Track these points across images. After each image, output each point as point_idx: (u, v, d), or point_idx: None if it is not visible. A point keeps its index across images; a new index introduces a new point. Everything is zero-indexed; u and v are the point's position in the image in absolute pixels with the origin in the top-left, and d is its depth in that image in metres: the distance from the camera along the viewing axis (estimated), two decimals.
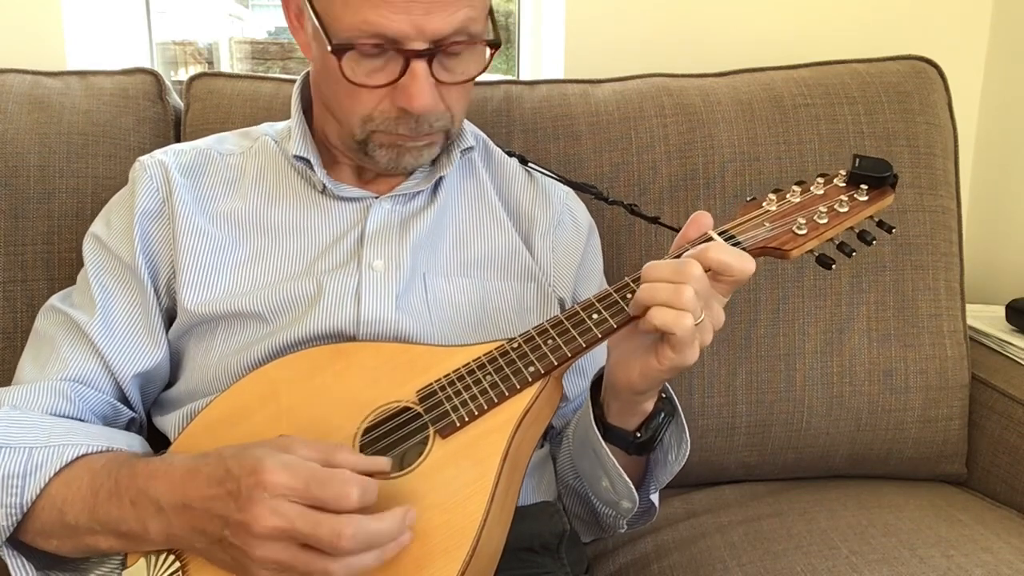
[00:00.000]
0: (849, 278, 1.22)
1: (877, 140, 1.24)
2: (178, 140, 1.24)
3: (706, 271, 0.72)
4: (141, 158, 0.96)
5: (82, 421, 0.84)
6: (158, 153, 0.97)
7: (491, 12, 0.88)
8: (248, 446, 0.68)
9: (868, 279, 1.22)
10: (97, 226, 0.94)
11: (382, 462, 0.71)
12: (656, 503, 0.91)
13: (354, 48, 0.81)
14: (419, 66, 0.81)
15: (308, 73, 1.00)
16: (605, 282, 1.08)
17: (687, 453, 0.85)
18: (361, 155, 0.91)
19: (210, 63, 2.05)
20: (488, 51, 0.87)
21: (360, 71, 0.83)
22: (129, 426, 0.90)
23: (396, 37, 0.80)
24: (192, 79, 1.28)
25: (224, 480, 0.65)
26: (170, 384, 0.93)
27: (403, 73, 0.82)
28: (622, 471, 0.84)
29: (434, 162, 0.98)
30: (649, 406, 0.82)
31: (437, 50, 0.82)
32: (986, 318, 1.41)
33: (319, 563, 0.63)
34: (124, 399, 0.89)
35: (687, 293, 0.69)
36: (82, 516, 0.71)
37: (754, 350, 1.20)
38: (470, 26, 0.82)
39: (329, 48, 0.81)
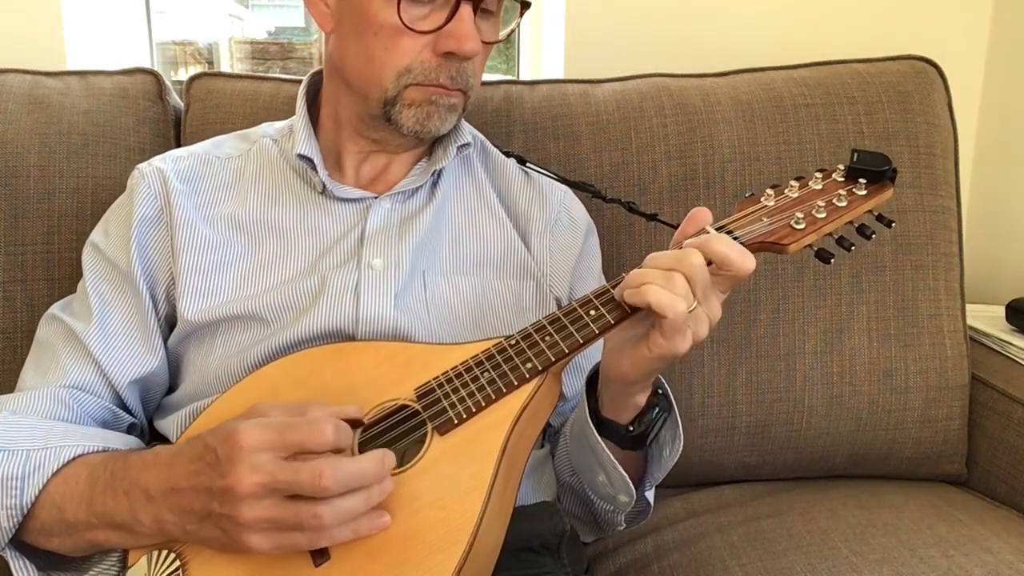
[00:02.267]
0: (849, 278, 1.22)
1: (877, 140, 1.24)
2: (178, 140, 1.25)
3: (707, 264, 0.72)
4: (139, 166, 0.96)
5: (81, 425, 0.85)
6: (156, 160, 0.97)
7: None
8: (223, 422, 0.69)
9: (868, 279, 1.22)
10: (96, 234, 0.95)
11: (352, 409, 0.72)
12: (651, 501, 0.91)
13: None
14: (467, 9, 0.85)
15: (315, 72, 1.01)
16: (604, 282, 1.07)
17: (680, 449, 0.86)
18: (383, 123, 0.92)
19: (210, 63, 2.06)
20: (519, 8, 0.92)
21: (406, 18, 0.85)
22: (130, 431, 0.91)
23: None
24: (192, 79, 1.28)
25: (203, 454, 0.66)
26: (172, 389, 0.94)
27: (450, 18, 0.85)
28: (617, 463, 0.84)
29: (431, 157, 0.99)
30: (642, 400, 0.82)
31: None
32: (986, 318, 1.41)
33: (308, 510, 0.64)
34: (123, 405, 0.90)
35: (678, 280, 0.70)
36: (80, 511, 0.72)
37: (754, 350, 1.20)
38: None
39: None
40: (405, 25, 0.84)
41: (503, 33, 0.93)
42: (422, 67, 0.87)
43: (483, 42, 0.89)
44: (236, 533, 0.65)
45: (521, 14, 0.93)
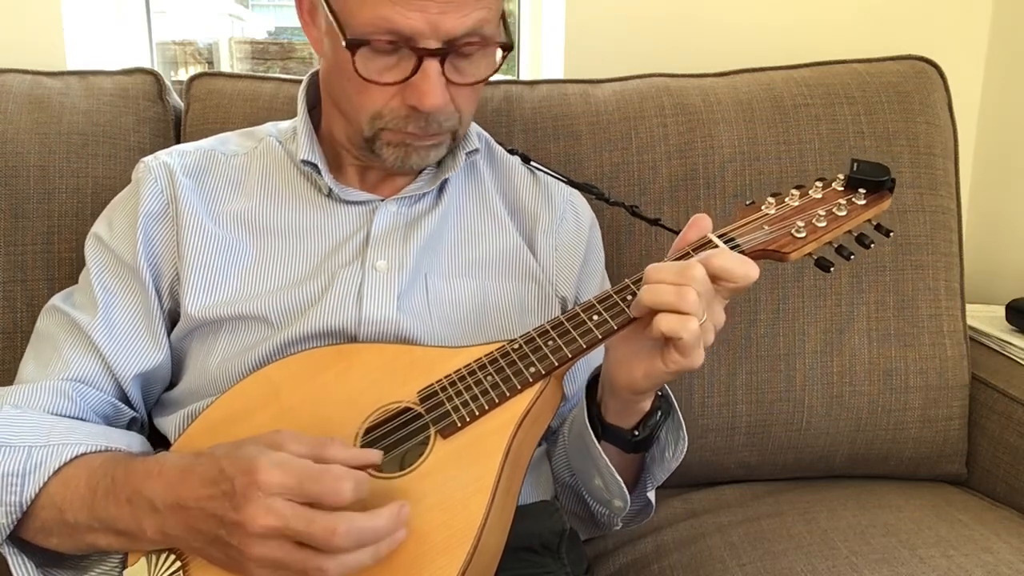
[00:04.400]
0: (849, 278, 1.22)
1: (877, 140, 1.24)
2: (178, 140, 1.24)
3: (710, 277, 0.72)
4: (145, 159, 0.96)
5: (83, 420, 0.84)
6: (162, 154, 0.96)
7: (504, 15, 0.88)
8: (240, 444, 0.68)
9: (868, 279, 1.22)
10: (99, 226, 0.94)
11: (373, 454, 0.71)
12: (653, 501, 0.91)
13: (368, 44, 0.81)
14: (431, 65, 0.82)
15: (314, 73, 1.00)
16: (607, 278, 1.08)
17: (684, 450, 0.86)
18: (368, 153, 0.91)
19: (210, 63, 2.05)
20: (500, 53, 0.87)
21: (372, 68, 0.83)
22: (130, 425, 0.91)
23: (410, 35, 0.80)
24: (192, 79, 1.28)
25: (218, 480, 0.65)
26: (172, 385, 0.94)
27: (415, 72, 0.82)
28: (614, 470, 0.84)
29: (440, 164, 0.98)
30: (647, 405, 0.82)
31: (450, 50, 0.82)
32: (986, 318, 1.41)
33: (314, 561, 0.63)
34: (125, 399, 0.89)
35: (690, 296, 0.69)
36: (81, 514, 0.71)
37: (754, 350, 1.20)
38: (483, 27, 0.83)
39: (343, 43, 0.81)
40: (364, 78, 0.83)
41: (484, 74, 0.88)
42: (392, 115, 0.86)
43: (459, 84, 0.85)
44: (241, 563, 0.64)
45: (502, 59, 0.89)
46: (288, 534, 0.62)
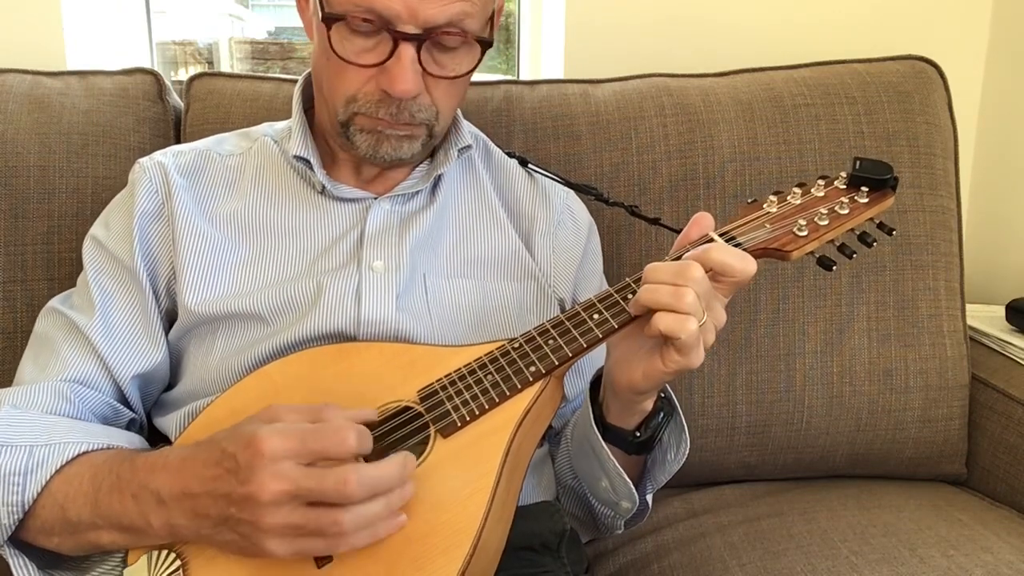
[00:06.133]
0: (849, 278, 1.22)
1: (877, 140, 1.24)
2: (178, 140, 1.24)
3: (708, 272, 0.72)
4: (140, 160, 0.96)
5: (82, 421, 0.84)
6: (157, 155, 0.97)
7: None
8: (237, 425, 0.68)
9: (868, 279, 1.22)
10: (96, 228, 0.94)
11: (369, 412, 0.72)
12: (650, 503, 0.91)
13: (344, 20, 0.82)
14: (407, 50, 0.82)
15: (308, 73, 1.00)
16: (605, 282, 1.08)
17: (686, 452, 0.86)
18: (343, 140, 0.91)
19: (210, 63, 2.05)
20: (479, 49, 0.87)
21: (350, 48, 0.83)
22: (129, 427, 0.91)
23: (388, 16, 0.80)
24: (192, 79, 1.28)
25: (221, 460, 0.65)
26: (171, 385, 0.94)
27: (390, 55, 0.82)
28: (622, 471, 0.84)
29: (432, 160, 0.98)
30: (648, 406, 0.82)
31: (427, 37, 0.82)
32: (986, 318, 1.41)
33: (329, 516, 0.63)
34: (124, 400, 0.89)
35: (688, 296, 0.69)
36: (84, 512, 0.71)
37: (754, 350, 1.20)
38: (464, 20, 0.83)
39: (320, 16, 0.82)
40: (340, 58, 0.83)
41: (462, 70, 0.88)
42: (365, 99, 0.86)
43: (437, 76, 0.85)
44: (255, 538, 0.64)
45: (480, 55, 0.88)
46: (301, 494, 0.63)
